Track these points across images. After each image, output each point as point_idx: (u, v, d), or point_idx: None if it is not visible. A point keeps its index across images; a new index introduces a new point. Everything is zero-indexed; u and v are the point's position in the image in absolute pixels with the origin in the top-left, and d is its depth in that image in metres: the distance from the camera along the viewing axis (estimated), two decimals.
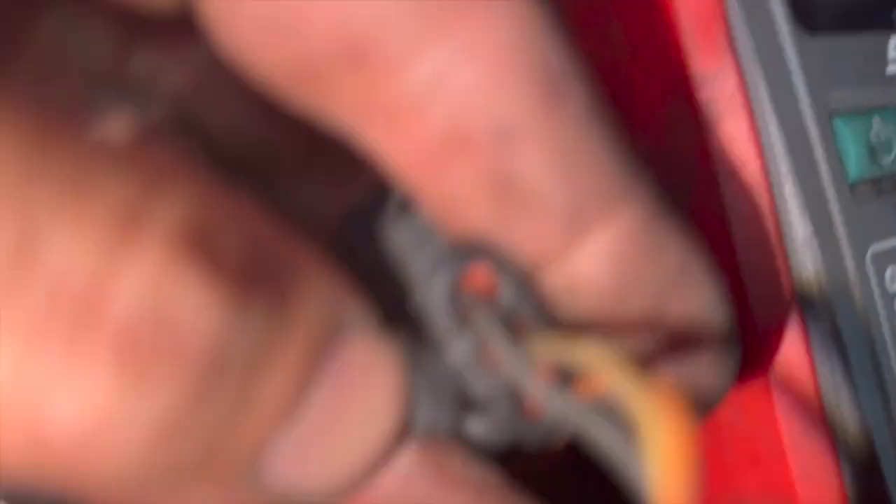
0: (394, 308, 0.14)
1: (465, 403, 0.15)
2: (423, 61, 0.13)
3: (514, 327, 0.14)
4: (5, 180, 0.09)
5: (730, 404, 0.22)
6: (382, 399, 0.13)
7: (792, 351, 0.21)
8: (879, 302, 0.22)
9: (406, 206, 0.16)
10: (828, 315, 0.21)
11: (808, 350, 0.21)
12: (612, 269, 0.14)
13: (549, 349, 0.13)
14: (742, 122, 0.20)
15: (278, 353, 0.11)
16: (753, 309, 0.21)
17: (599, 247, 0.14)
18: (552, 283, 0.15)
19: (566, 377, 0.13)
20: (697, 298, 0.16)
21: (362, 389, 0.13)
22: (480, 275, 0.14)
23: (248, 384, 0.11)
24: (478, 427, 0.15)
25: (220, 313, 0.10)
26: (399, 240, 0.15)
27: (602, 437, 0.12)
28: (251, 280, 0.11)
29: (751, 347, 0.21)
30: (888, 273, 0.22)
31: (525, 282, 0.14)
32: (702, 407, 0.17)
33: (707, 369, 0.16)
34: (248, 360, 0.11)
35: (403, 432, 0.13)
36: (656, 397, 0.11)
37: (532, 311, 0.14)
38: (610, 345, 0.13)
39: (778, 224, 0.21)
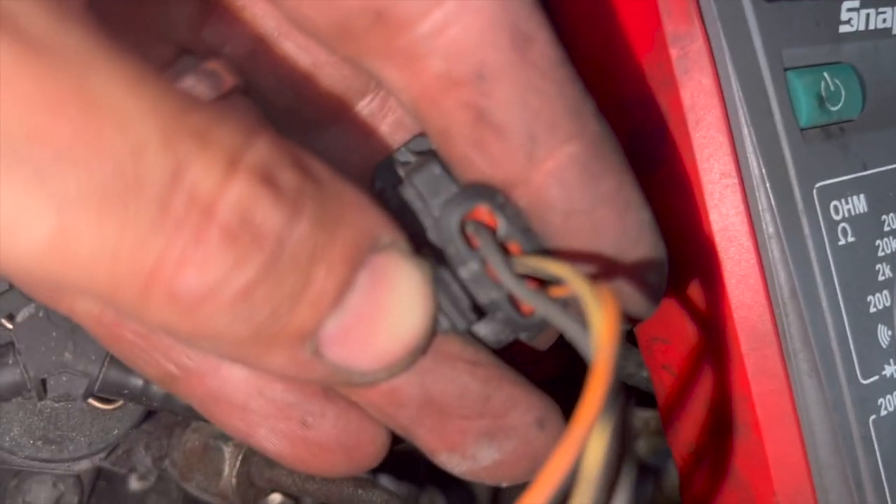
0: (417, 240, 0.18)
1: (475, 310, 0.19)
2: (426, 19, 0.18)
3: (508, 250, 0.18)
4: (166, 131, 0.15)
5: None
6: (413, 302, 0.17)
7: (747, 269, 0.24)
8: (825, 227, 0.25)
9: (423, 159, 0.20)
10: (778, 240, 0.24)
11: (762, 269, 0.24)
12: (558, 188, 0.18)
13: (533, 266, 0.18)
14: (707, 76, 0.23)
15: (325, 254, 0.16)
16: (715, 234, 0.24)
17: (550, 170, 0.18)
18: (520, 203, 0.19)
19: (543, 285, 0.18)
20: (630, 219, 0.19)
21: (396, 293, 0.17)
22: (483, 212, 0.18)
23: (305, 272, 0.16)
24: (484, 328, 0.19)
25: (279, 220, 0.16)
26: (419, 186, 0.19)
27: (565, 323, 0.16)
28: (303, 202, 0.16)
29: (711, 265, 0.25)
30: (832, 205, 0.25)
31: (516, 216, 0.18)
32: (631, 318, 0.21)
33: (635, 286, 0.20)
34: (302, 255, 0.16)
35: (432, 331, 0.17)
36: (600, 296, 0.15)
37: (521, 238, 0.18)
38: (571, 264, 0.17)
39: (737, 162, 0.24)
